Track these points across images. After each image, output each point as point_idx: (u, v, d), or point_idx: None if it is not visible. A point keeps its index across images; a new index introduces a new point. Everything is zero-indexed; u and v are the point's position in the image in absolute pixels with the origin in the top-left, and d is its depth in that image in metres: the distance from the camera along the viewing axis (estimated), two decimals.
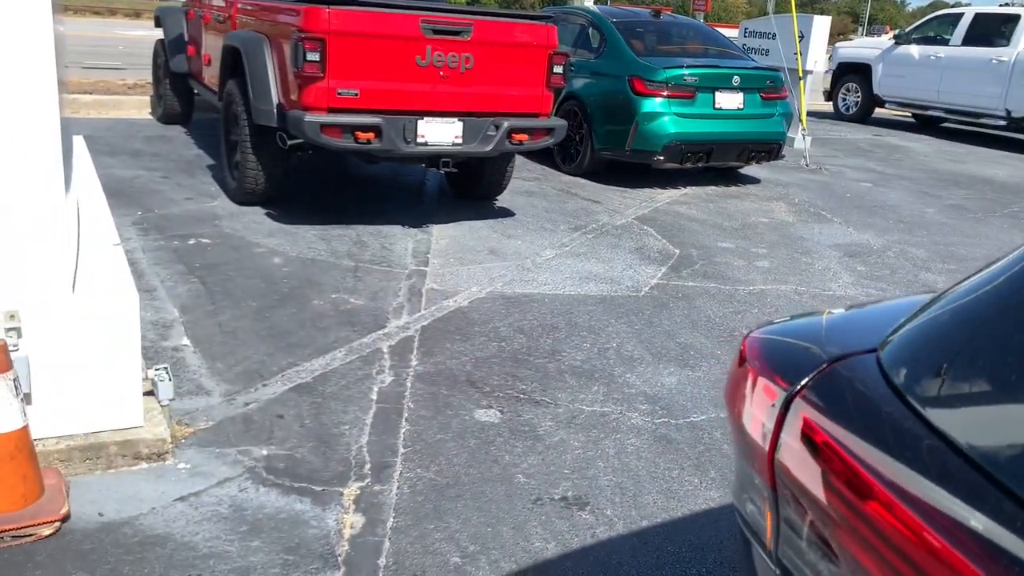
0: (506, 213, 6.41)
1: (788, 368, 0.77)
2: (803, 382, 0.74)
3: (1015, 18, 12.91)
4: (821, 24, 10.84)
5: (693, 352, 4.07)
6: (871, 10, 75.23)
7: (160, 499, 2.60)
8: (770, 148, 8.05)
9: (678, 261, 5.53)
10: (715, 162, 7.91)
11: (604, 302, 4.66)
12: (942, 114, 13.75)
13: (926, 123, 14.77)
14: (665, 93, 7.44)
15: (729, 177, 8.54)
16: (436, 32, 5.29)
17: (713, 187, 8.07)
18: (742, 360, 0.88)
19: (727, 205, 7.33)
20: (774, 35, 10.65)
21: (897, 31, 16.92)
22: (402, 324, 4.13)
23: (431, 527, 2.56)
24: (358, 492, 2.72)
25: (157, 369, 2.95)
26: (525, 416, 3.31)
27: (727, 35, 10.11)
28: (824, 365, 0.75)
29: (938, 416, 0.64)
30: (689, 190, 7.86)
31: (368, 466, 2.87)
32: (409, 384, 3.50)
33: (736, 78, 7.74)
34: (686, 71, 7.54)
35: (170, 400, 2.93)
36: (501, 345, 3.97)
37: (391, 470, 2.86)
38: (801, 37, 10.27)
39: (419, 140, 5.35)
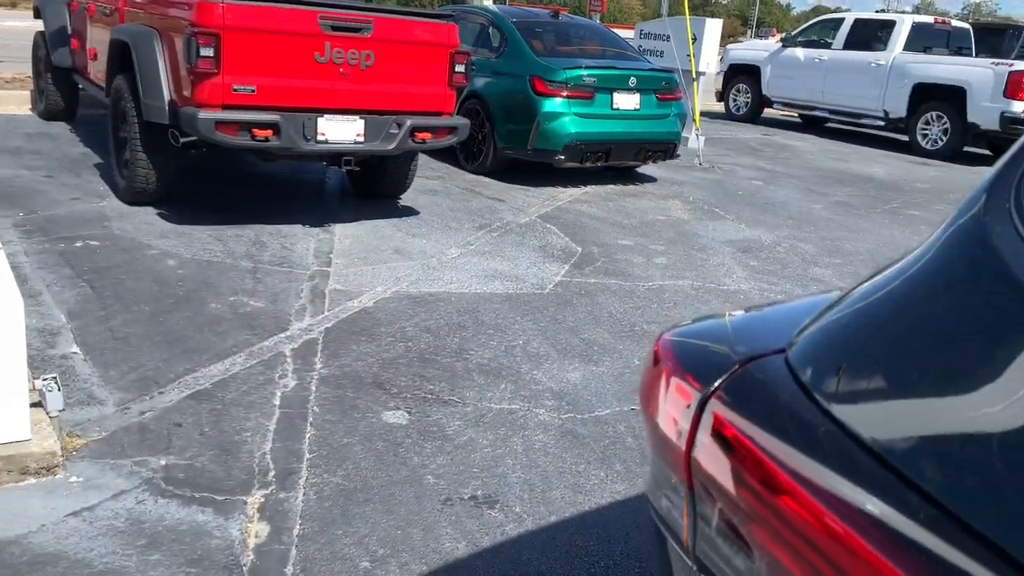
0: (410, 212, 6.38)
1: (702, 370, 0.80)
2: (717, 383, 0.77)
3: (891, 24, 13.64)
4: (713, 27, 11.18)
5: (597, 348, 4.14)
6: (759, 14, 78.10)
7: (51, 515, 2.47)
8: (666, 148, 8.26)
9: (581, 259, 5.62)
10: (614, 161, 8.06)
11: (510, 300, 4.69)
12: (826, 114, 14.40)
13: (811, 123, 15.43)
14: (565, 93, 7.54)
15: (627, 176, 8.72)
16: (335, 29, 5.21)
17: (612, 186, 8.23)
18: (656, 361, 0.91)
19: (626, 203, 7.49)
20: (668, 37, 10.93)
21: (784, 34, 17.62)
22: (305, 326, 4.06)
23: (339, 532, 2.53)
24: (262, 500, 2.65)
25: (45, 379, 2.81)
26: (433, 416, 3.30)
27: (623, 36, 10.31)
28: (736, 366, 0.78)
29: (843, 412, 0.68)
30: (590, 189, 7.99)
31: (272, 473, 2.81)
32: (314, 388, 3.44)
33: (633, 79, 7.91)
34: (584, 72, 7.65)
35: (60, 411, 2.79)
36: (408, 345, 3.94)
37: (296, 476, 2.80)
38: (694, 39, 10.57)
39: (319, 138, 5.26)
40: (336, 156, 5.56)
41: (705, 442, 0.74)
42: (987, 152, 12.76)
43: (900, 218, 8.02)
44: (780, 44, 15.40)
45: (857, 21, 14.22)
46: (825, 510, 0.61)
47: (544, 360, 3.93)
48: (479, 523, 2.65)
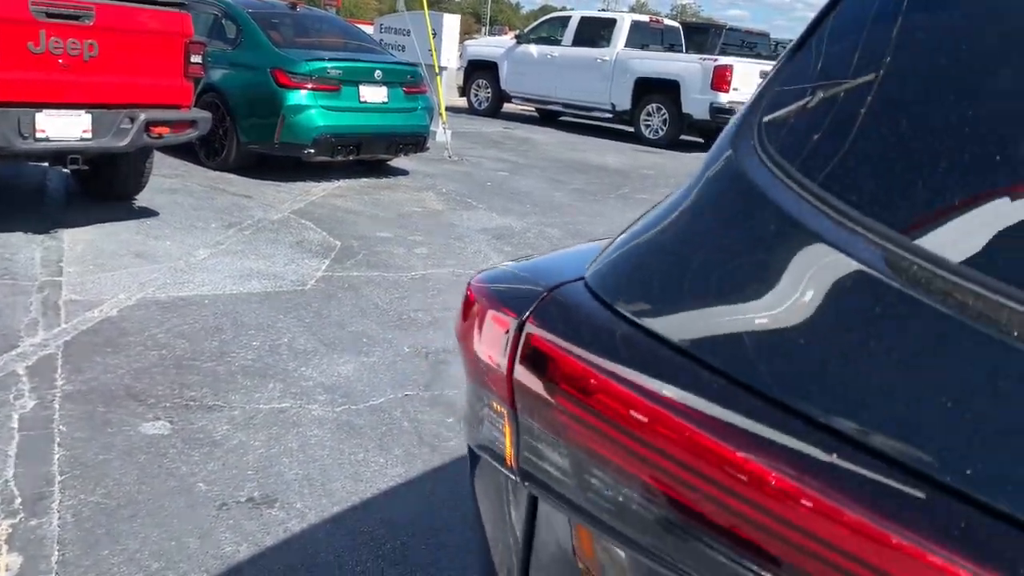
0: (149, 213, 5.96)
1: (514, 301, 0.90)
2: (530, 309, 0.88)
3: (612, 22, 14.72)
4: (451, 22, 11.48)
5: (365, 339, 4.14)
6: (491, 12, 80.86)
7: None
8: (416, 141, 8.38)
9: (340, 253, 5.56)
10: (365, 155, 8.05)
11: (270, 298, 4.55)
12: (560, 108, 15.27)
13: (548, 116, 16.29)
14: (310, 86, 7.40)
15: (380, 169, 8.74)
16: (51, 16, 4.74)
17: (366, 179, 8.21)
18: (470, 304, 0.99)
19: (381, 196, 7.51)
20: (409, 32, 11.06)
21: (517, 32, 18.43)
22: (39, 342, 3.69)
23: (106, 553, 2.35)
24: (10, 530, 2.40)
25: None
26: (198, 423, 3.14)
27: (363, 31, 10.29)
28: (545, 293, 0.89)
29: (642, 320, 0.80)
30: (343, 183, 7.91)
31: (19, 500, 2.54)
32: (57, 406, 3.14)
33: (378, 72, 7.93)
34: (329, 64, 7.56)
35: None
36: (161, 353, 3.71)
37: (48, 501, 2.56)
38: (434, 34, 10.78)
39: (39, 135, 4.77)
40: (60, 155, 5.08)
41: (524, 363, 0.84)
42: (700, 140, 14.16)
43: (631, 202, 8.71)
44: (515, 41, 16.07)
45: (583, 19, 15.19)
46: (635, 398, 0.74)
47: (312, 356, 3.87)
48: (259, 523, 2.57)
